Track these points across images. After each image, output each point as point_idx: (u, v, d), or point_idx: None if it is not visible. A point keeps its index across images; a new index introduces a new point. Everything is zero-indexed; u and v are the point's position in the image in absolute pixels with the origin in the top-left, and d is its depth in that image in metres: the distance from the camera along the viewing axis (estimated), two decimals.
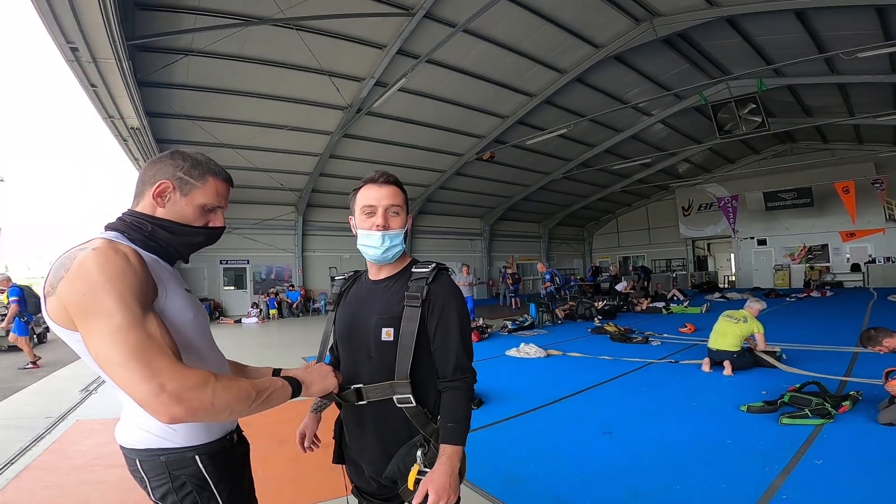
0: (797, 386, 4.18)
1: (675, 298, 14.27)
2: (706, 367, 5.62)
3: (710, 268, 26.33)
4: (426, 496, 1.16)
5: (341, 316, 1.45)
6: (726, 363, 5.41)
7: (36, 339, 11.01)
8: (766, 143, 19.69)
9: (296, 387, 1.15)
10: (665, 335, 8.46)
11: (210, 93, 10.16)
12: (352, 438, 1.41)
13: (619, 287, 15.82)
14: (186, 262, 1.24)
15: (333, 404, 1.47)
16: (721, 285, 22.81)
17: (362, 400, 1.31)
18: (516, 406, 4.51)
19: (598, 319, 10.76)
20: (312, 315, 15.97)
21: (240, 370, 1.40)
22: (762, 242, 21.46)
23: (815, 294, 15.50)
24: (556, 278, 11.68)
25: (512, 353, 7.15)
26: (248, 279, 16.35)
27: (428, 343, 1.30)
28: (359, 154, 14.08)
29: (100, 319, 0.90)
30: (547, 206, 23.27)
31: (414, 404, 1.28)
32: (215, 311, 14.85)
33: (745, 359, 5.47)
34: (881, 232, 18.18)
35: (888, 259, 17.84)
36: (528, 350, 7.05)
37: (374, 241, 1.32)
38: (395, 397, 1.28)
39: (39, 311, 8.34)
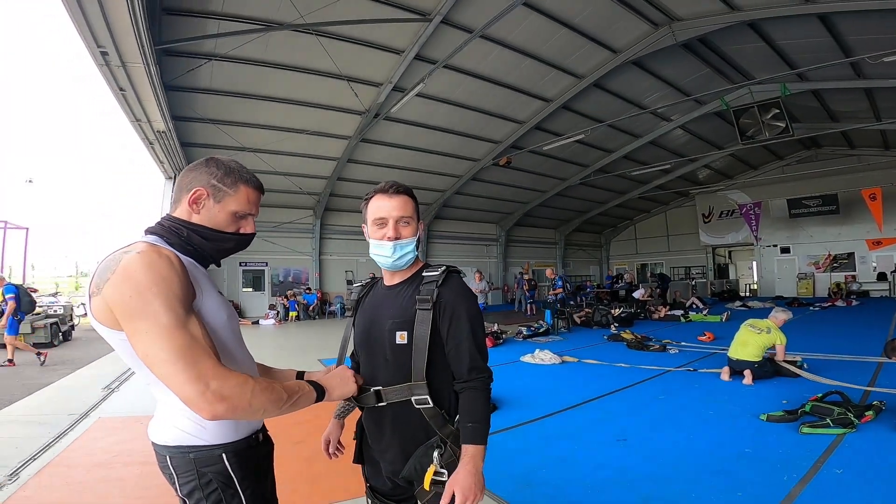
0: (819, 395, 4.08)
1: (694, 306, 14.02)
2: (725, 376, 5.51)
3: (732, 276, 25.83)
4: (453, 497, 1.18)
5: (359, 321, 1.49)
6: (747, 372, 5.30)
7: (61, 337, 11.35)
8: (790, 149, 19.26)
9: (320, 392, 1.19)
10: (683, 343, 8.32)
11: (232, 97, 10.42)
12: (372, 439, 1.44)
13: (636, 294, 15.62)
14: (218, 266, 1.29)
15: (357, 408, 1.51)
16: (742, 294, 22.35)
17: (381, 402, 1.34)
18: (530, 412, 4.49)
19: (615, 326, 10.63)
20: (328, 318, 16.13)
21: (265, 371, 1.44)
22: (785, 250, 20.98)
23: (839, 303, 15.07)
24: (567, 285, 11.61)
25: (527, 358, 7.11)
26: (267, 281, 16.60)
27: (442, 345, 1.32)
28: (376, 158, 14.23)
29: (147, 321, 0.95)
30: (563, 212, 23.14)
31: (431, 405, 1.30)
32: None
33: (766, 368, 5.35)
34: None
35: None
36: (543, 356, 7.01)
37: (386, 251, 1.36)
38: (412, 398, 1.31)
39: (32, 309, 8.60)
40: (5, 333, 7.76)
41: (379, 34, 9.39)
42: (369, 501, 1.53)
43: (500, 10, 7.79)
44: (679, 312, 12.74)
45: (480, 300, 11.07)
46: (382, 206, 1.37)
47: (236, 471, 1.15)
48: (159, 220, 1.19)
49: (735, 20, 9.74)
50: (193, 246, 1.16)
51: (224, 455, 1.13)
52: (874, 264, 18.65)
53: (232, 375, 0.98)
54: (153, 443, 1.18)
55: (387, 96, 11.03)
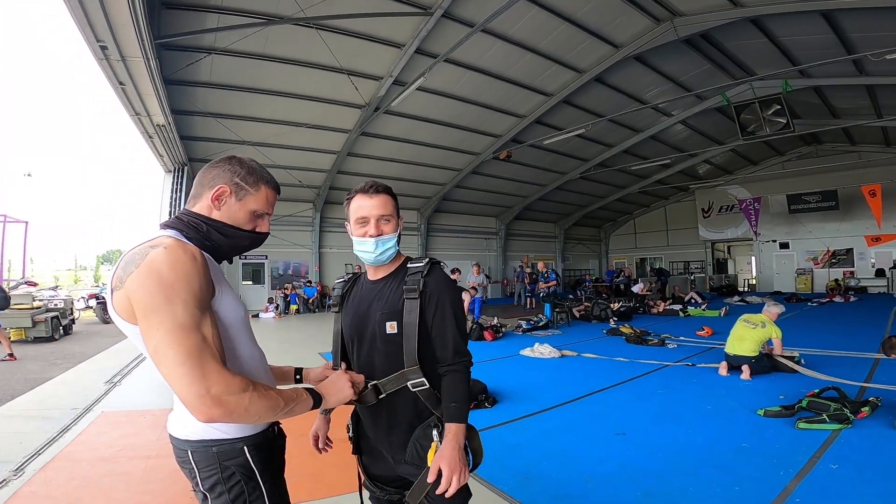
0: (816, 391, 4.13)
1: (693, 301, 14.09)
2: (723, 371, 5.56)
3: (730, 271, 25.89)
4: (440, 474, 1.25)
5: (346, 316, 1.54)
6: (744, 367, 5.35)
7: (62, 331, 11.35)
8: (790, 145, 19.26)
9: (317, 400, 1.20)
10: (682, 338, 8.38)
11: (232, 91, 10.37)
12: (367, 428, 1.48)
13: (635, 289, 15.69)
14: (231, 263, 1.32)
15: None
16: (741, 289, 22.42)
17: (381, 395, 1.38)
18: (530, 405, 4.53)
19: (614, 321, 10.70)
20: (328, 311, 16.17)
21: None
22: (784, 246, 21.02)
23: (837, 299, 15.14)
24: (559, 278, 11.70)
25: (526, 352, 7.16)
26: (266, 274, 16.62)
27: (429, 330, 1.39)
28: (376, 152, 14.21)
29: (164, 318, 0.96)
30: (563, 206, 23.14)
31: (427, 387, 1.37)
32: None
33: (764, 363, 5.40)
34: None
35: None
36: (543, 350, 7.06)
37: (369, 247, 1.43)
38: (408, 383, 1.37)
39: (7, 305, 8.62)
40: None
41: (380, 28, 9.34)
42: (366, 492, 1.57)
43: (502, 5, 7.76)
44: (678, 307, 12.80)
45: (479, 294, 11.09)
46: (363, 206, 1.44)
47: (258, 464, 1.16)
48: (177, 214, 1.20)
49: (738, 16, 9.69)
50: (212, 242, 1.18)
51: (245, 448, 1.15)
52: (873, 261, 18.69)
53: (233, 381, 0.98)
54: (172, 436, 1.18)
55: (387, 90, 10.99)
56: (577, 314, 11.52)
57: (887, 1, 8.12)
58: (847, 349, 6.78)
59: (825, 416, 3.67)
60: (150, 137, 10.00)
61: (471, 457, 1.36)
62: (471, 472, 1.35)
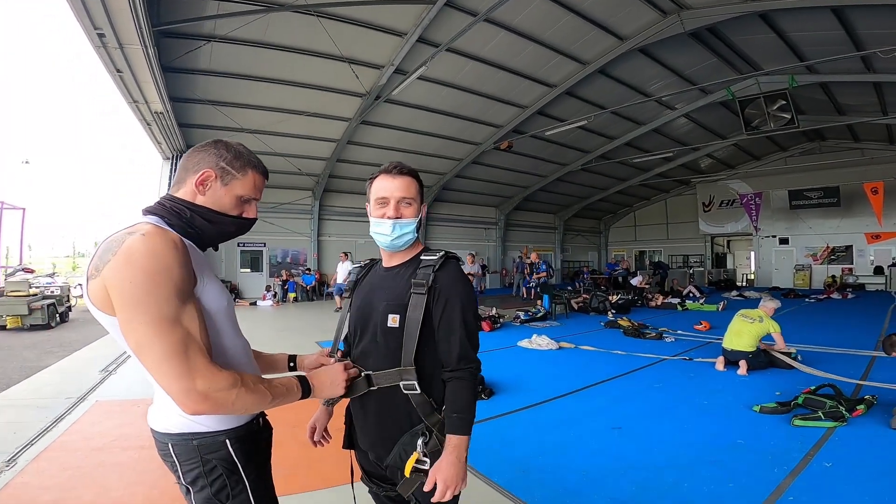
0: (812, 388, 4.15)
1: (691, 295, 14.12)
2: (720, 366, 5.59)
3: (729, 265, 25.94)
4: (434, 486, 1.20)
5: (355, 302, 1.48)
6: (741, 363, 5.37)
7: (59, 319, 11.32)
8: (793, 141, 19.14)
9: (306, 391, 1.17)
10: (679, 332, 8.40)
11: (232, 78, 10.27)
12: (356, 422, 1.43)
13: (634, 281, 15.71)
14: (216, 250, 1.26)
15: None
16: (739, 283, 22.45)
17: (373, 386, 1.33)
18: (527, 397, 4.55)
19: (612, 313, 10.72)
20: (326, 299, 16.18)
21: (256, 357, 1.42)
22: (784, 241, 21.03)
23: (835, 296, 15.19)
24: (550, 269, 11.77)
25: (524, 343, 7.18)
26: (265, 262, 16.61)
27: (434, 330, 1.31)
28: (376, 141, 14.13)
29: (143, 311, 0.92)
30: (564, 198, 23.10)
31: (419, 392, 1.29)
32: (231, 294, 15.13)
33: (761, 359, 5.42)
34: None
35: None
36: (541, 342, 7.08)
37: (385, 230, 1.36)
38: (401, 384, 1.30)
39: None
40: None
41: (381, 16, 9.22)
42: (364, 487, 1.52)
43: None
44: (676, 301, 12.84)
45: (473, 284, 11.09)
46: (385, 186, 1.37)
47: (240, 457, 1.14)
48: (159, 199, 1.15)
49: (747, 10, 9.56)
50: (195, 228, 1.13)
51: (227, 441, 1.12)
52: (871, 258, 18.71)
53: (220, 376, 0.97)
54: (153, 430, 1.16)
55: (388, 79, 10.88)
56: (575, 306, 11.54)
57: None
58: (844, 346, 6.80)
59: (821, 414, 3.69)
60: (149, 125, 9.93)
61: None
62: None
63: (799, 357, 5.62)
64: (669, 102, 14.83)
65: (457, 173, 17.25)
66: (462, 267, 1.46)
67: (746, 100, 12.54)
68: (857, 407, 3.81)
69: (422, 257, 1.38)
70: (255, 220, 1.25)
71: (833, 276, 18.75)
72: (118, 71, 7.23)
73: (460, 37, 9.08)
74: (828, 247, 19.69)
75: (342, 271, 12.53)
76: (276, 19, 8.68)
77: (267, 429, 1.30)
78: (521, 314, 10.05)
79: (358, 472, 1.53)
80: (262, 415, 1.28)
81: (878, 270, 18.27)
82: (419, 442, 1.28)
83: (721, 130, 17.19)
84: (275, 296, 14.91)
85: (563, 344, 7.20)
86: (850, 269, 19.02)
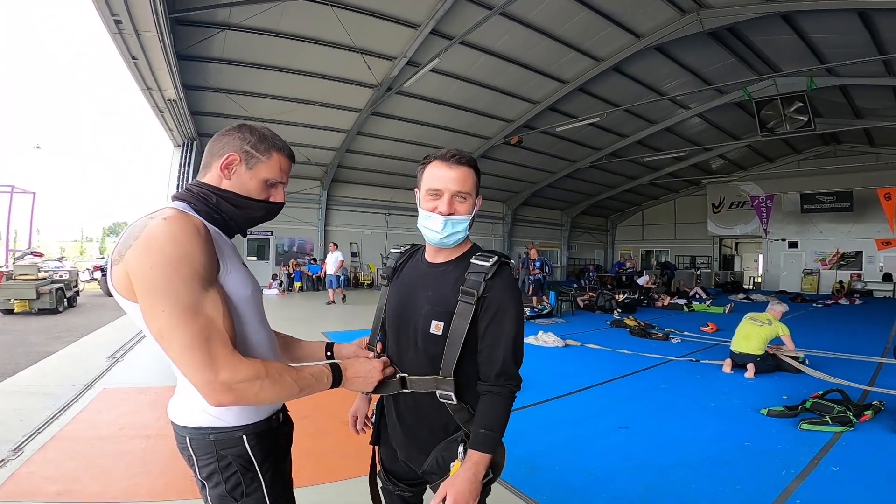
0: (820, 393, 4.14)
1: (698, 296, 14.06)
2: (727, 369, 5.58)
3: (736, 267, 25.76)
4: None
5: (393, 295, 1.39)
6: (749, 366, 5.36)
7: (66, 304, 11.36)
8: (808, 144, 18.89)
9: (337, 381, 1.15)
10: (686, 333, 8.39)
11: (244, 67, 10.29)
12: (390, 424, 1.38)
13: (640, 281, 15.66)
14: (244, 236, 1.25)
15: None
16: (746, 286, 22.32)
17: (406, 389, 1.28)
18: (534, 395, 4.55)
19: (618, 312, 10.71)
20: None
21: (293, 345, 1.42)
22: (793, 245, 20.84)
23: (842, 301, 15.07)
24: (546, 266, 11.72)
25: (530, 340, 7.16)
26: (271, 251, 16.69)
27: (477, 341, 1.22)
28: (386, 132, 14.13)
29: (165, 299, 0.91)
30: (572, 195, 23.00)
31: (455, 402, 1.23)
32: None
33: (769, 362, 5.41)
34: None
35: None
36: (547, 339, 7.08)
37: (436, 226, 1.24)
38: (437, 392, 1.23)
39: None
40: None
41: (395, 7, 9.18)
42: (380, 483, 1.49)
43: None
44: (682, 301, 12.80)
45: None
46: (440, 176, 1.24)
47: (257, 454, 1.12)
48: (187, 186, 1.14)
49: (769, 11, 9.39)
50: (222, 213, 1.12)
51: (245, 437, 1.10)
52: (881, 264, 18.53)
53: (244, 366, 0.95)
54: (172, 422, 1.14)
55: (400, 70, 10.84)
56: (581, 304, 11.53)
57: None
58: (851, 352, 6.76)
59: (828, 419, 3.68)
60: (161, 112, 9.99)
61: (491, 474, 1.20)
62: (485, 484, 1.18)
63: (807, 361, 5.60)
64: (684, 102, 14.65)
65: None
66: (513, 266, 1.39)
67: (763, 101, 12.36)
68: (865, 412, 3.81)
69: (472, 260, 1.25)
70: (282, 203, 1.22)
71: (840, 282, 18.59)
72: (133, 58, 7.25)
73: (475, 30, 9.01)
74: (838, 252, 19.50)
75: (332, 262, 11.98)
76: (291, 8, 8.65)
77: (287, 424, 1.28)
78: (528, 310, 10.04)
79: (378, 467, 1.50)
80: (283, 409, 1.26)
81: (887, 277, 18.11)
82: (459, 449, 1.21)
83: (735, 131, 17.00)
84: (280, 284, 14.98)
85: (569, 341, 7.20)
86: (859, 275, 18.85)
